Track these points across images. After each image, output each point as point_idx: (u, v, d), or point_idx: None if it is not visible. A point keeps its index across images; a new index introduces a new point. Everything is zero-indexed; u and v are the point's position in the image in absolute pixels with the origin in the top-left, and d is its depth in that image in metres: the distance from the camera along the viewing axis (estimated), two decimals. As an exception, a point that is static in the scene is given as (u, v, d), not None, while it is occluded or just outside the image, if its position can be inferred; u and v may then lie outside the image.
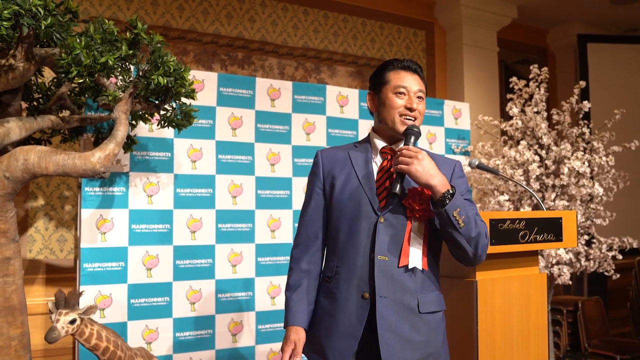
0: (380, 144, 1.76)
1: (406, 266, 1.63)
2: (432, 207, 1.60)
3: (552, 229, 2.10)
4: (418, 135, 1.68)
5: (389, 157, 1.73)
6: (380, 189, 1.69)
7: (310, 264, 1.77)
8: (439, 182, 1.58)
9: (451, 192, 1.57)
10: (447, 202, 1.56)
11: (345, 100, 3.64)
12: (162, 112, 2.56)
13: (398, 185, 1.62)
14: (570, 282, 3.70)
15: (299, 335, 1.70)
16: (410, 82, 1.71)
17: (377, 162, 1.75)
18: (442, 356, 1.68)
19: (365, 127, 3.68)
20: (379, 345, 1.58)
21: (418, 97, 1.72)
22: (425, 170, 1.58)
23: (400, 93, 1.70)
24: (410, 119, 1.70)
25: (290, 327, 1.72)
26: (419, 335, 1.62)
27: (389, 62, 1.77)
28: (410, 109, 1.69)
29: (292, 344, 1.69)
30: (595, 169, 3.79)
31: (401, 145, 1.71)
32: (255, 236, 3.23)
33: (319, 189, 1.79)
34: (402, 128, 1.69)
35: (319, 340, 1.70)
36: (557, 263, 3.64)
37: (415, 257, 1.64)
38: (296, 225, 3.34)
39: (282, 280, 3.27)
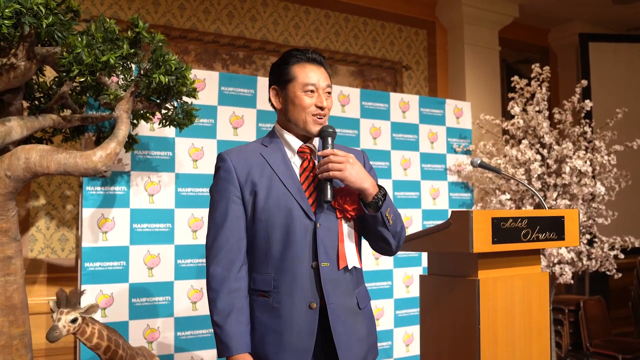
0: (295, 142, 1.68)
1: (345, 267, 1.62)
2: (365, 209, 1.58)
3: (554, 227, 2.10)
4: (334, 135, 1.64)
5: (308, 157, 1.67)
6: (307, 192, 1.62)
7: (238, 281, 1.60)
8: (370, 184, 1.57)
9: (382, 192, 1.58)
10: (381, 204, 1.56)
11: (346, 99, 3.63)
12: (163, 111, 2.56)
13: (329, 192, 1.57)
14: (572, 282, 3.70)
15: None
16: (319, 78, 1.64)
17: (295, 162, 1.67)
18: (376, 344, 1.74)
19: (366, 126, 3.67)
20: (337, 351, 1.56)
21: (327, 92, 1.66)
22: (359, 174, 1.56)
23: (310, 91, 1.63)
24: (321, 118, 1.64)
25: (237, 357, 1.55)
26: (363, 331, 1.66)
27: (292, 54, 1.67)
28: (322, 108, 1.63)
29: None
30: (597, 168, 3.78)
31: (318, 147, 1.69)
32: (256, 235, 3.23)
33: (236, 198, 1.62)
34: (315, 129, 1.64)
35: (267, 358, 1.58)
36: (559, 262, 3.64)
37: (352, 256, 1.64)
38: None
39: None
